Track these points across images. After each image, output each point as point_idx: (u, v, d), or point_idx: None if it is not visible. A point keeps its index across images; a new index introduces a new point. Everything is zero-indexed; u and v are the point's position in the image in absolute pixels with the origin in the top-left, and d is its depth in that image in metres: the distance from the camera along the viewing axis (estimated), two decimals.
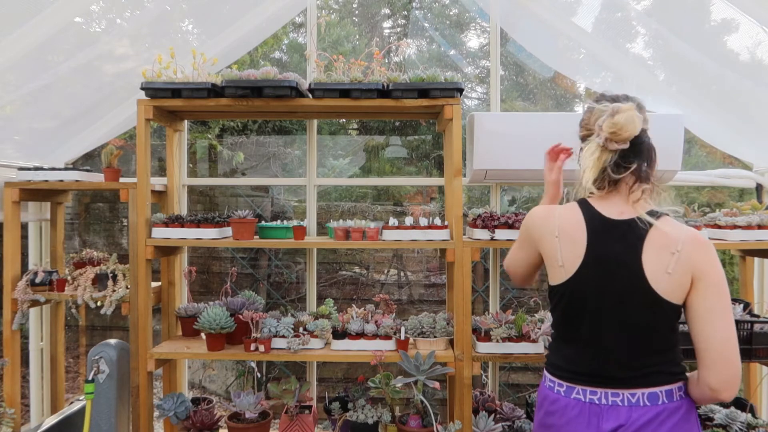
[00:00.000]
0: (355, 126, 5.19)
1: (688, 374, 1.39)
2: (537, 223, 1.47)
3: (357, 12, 5.37)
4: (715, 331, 1.26)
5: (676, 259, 1.28)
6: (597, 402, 1.35)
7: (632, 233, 1.32)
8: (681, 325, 1.37)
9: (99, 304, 2.46)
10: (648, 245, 1.30)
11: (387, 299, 2.60)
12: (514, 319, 2.40)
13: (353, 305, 2.59)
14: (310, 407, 2.50)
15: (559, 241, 1.38)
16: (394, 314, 2.56)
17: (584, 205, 1.40)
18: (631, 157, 1.34)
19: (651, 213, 1.33)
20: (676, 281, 1.28)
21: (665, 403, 1.32)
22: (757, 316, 2.28)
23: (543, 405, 1.47)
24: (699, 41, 2.47)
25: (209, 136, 4.71)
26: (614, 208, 1.36)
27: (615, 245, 1.32)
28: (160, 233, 2.38)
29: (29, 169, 2.55)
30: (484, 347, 2.30)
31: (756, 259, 2.67)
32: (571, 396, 1.39)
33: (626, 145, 1.33)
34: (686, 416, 1.34)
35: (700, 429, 1.38)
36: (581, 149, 1.44)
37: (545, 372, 1.52)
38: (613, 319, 1.34)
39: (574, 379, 1.40)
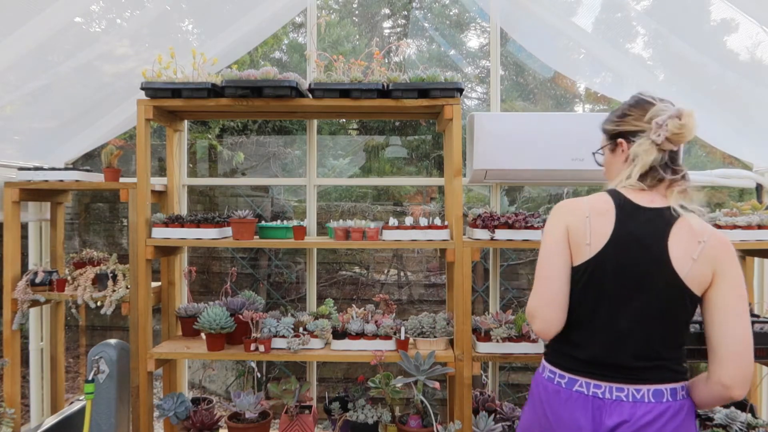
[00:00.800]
0: (355, 126, 5.19)
1: (695, 377, 1.38)
2: (568, 206, 1.43)
3: (357, 12, 5.37)
4: (733, 326, 1.27)
5: (701, 248, 1.29)
6: (601, 396, 1.32)
7: (661, 219, 1.34)
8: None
9: (99, 304, 2.46)
10: (675, 231, 1.32)
11: (387, 299, 2.60)
12: (514, 319, 2.40)
13: (353, 305, 2.59)
14: (310, 407, 2.50)
15: (590, 221, 1.36)
16: (394, 314, 2.56)
17: (614, 193, 1.41)
18: (678, 160, 1.39)
19: (682, 206, 1.36)
20: (698, 270, 1.29)
21: (669, 401, 1.31)
22: (757, 316, 2.28)
23: (540, 397, 1.42)
24: (699, 41, 2.47)
25: (209, 136, 4.71)
26: (645, 198, 1.37)
27: (642, 227, 1.33)
28: (160, 233, 2.39)
29: (29, 169, 2.55)
30: (484, 347, 2.30)
31: (756, 259, 2.67)
32: (573, 388, 1.36)
33: (676, 147, 1.37)
34: (688, 418, 1.33)
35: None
36: (616, 144, 1.45)
37: (544, 362, 1.47)
38: (632, 302, 1.32)
39: (577, 370, 1.37)
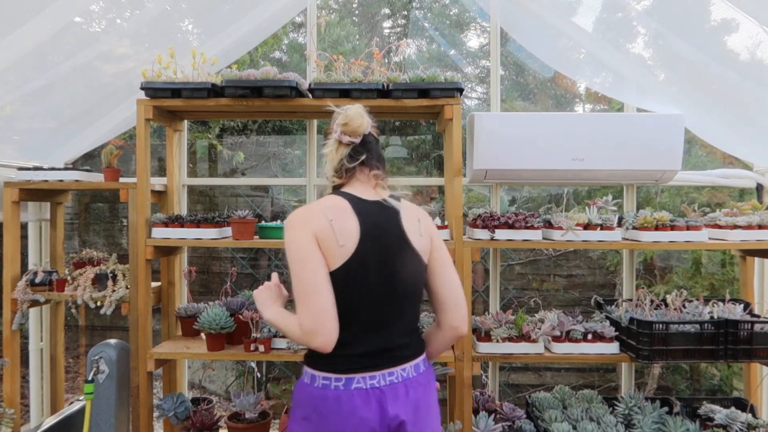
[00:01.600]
0: None
1: (426, 332, 1.60)
2: (306, 215, 1.42)
3: (357, 12, 5.37)
4: (451, 279, 1.52)
5: (422, 225, 1.51)
6: (377, 386, 1.38)
7: (388, 209, 1.48)
8: None
9: (99, 304, 2.46)
10: (403, 216, 1.49)
11: None
12: (515, 319, 2.40)
13: None
14: None
15: (335, 223, 1.40)
16: None
17: (339, 192, 1.50)
18: (361, 151, 1.51)
19: (392, 196, 1.52)
20: (424, 243, 1.50)
21: (423, 370, 1.49)
22: (757, 316, 2.29)
23: (319, 410, 1.36)
24: (699, 41, 2.46)
25: (209, 136, 4.70)
26: (363, 192, 1.49)
27: (381, 218, 1.46)
28: (160, 233, 2.38)
29: (29, 169, 2.55)
30: (484, 347, 2.30)
31: (756, 259, 2.67)
32: (351, 387, 1.37)
33: (357, 140, 1.49)
34: (434, 376, 1.55)
35: None
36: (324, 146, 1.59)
37: (312, 372, 1.42)
38: (393, 287, 1.43)
39: (352, 369, 1.38)
